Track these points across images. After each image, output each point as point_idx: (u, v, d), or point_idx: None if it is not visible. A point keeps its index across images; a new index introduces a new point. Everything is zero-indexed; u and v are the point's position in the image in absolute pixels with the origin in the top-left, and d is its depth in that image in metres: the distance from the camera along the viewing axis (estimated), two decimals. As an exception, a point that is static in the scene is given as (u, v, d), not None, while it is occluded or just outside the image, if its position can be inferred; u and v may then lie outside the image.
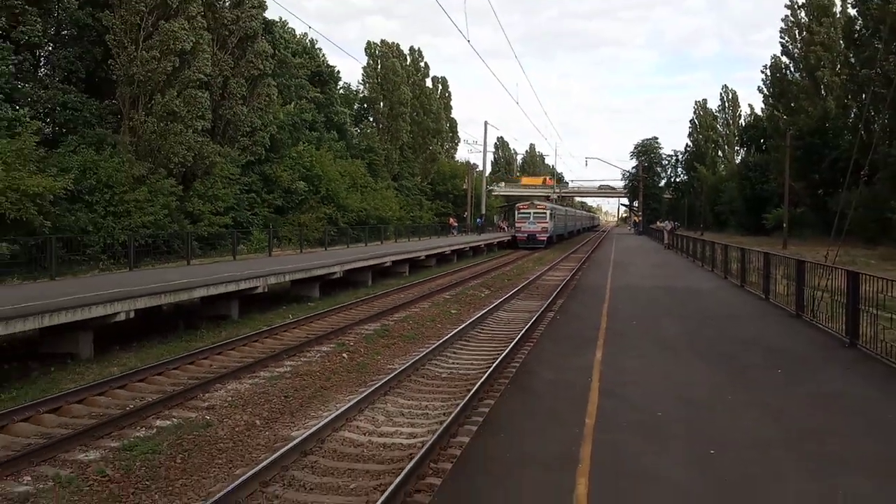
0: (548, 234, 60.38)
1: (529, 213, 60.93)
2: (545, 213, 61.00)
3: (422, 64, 77.02)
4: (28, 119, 25.72)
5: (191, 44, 30.89)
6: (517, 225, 61.77)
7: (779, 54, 68.55)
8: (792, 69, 67.44)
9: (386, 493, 7.06)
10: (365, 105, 71.31)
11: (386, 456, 8.83)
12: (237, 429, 9.59)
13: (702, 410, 7.85)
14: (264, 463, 7.90)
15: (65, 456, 8.27)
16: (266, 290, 19.93)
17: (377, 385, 11.63)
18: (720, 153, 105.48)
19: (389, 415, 10.54)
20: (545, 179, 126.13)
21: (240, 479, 7.39)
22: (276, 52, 44.48)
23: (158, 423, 9.63)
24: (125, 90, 30.30)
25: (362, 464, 8.55)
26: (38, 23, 28.03)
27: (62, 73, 30.19)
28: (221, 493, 7.05)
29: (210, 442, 8.99)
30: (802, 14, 65.70)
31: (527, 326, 16.70)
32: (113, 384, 11.72)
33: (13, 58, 27.05)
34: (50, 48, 30.82)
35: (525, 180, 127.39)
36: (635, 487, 5.67)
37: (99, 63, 31.05)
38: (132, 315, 14.48)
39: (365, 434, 9.62)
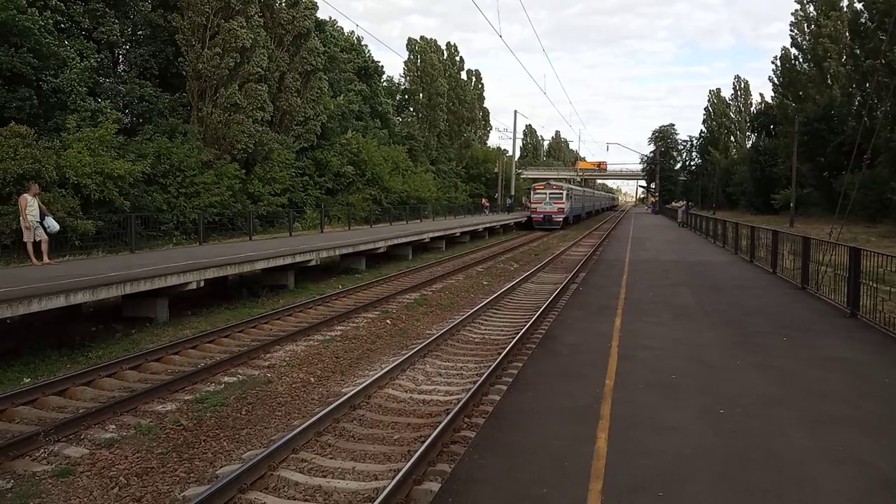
0: (564, 216, 53.08)
1: (545, 193, 53.03)
2: (561, 193, 52.94)
3: (457, 58, 76.30)
4: (109, 110, 26.19)
5: (250, 42, 31.03)
6: (532, 205, 54.05)
7: (788, 46, 66.37)
8: (800, 60, 65.23)
9: (425, 444, 7.14)
10: (406, 96, 71.07)
11: (425, 411, 8.91)
12: (294, 385, 9.75)
13: (712, 372, 7.78)
14: (318, 415, 8.04)
15: (145, 407, 8.51)
16: (318, 262, 20.12)
17: (417, 348, 11.72)
18: (732, 138, 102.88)
19: (428, 374, 10.63)
20: (576, 161, 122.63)
21: (297, 429, 7.54)
22: (327, 48, 44.52)
23: (226, 379, 9.84)
24: (193, 84, 30.65)
25: (404, 417, 8.65)
26: (116, 24, 28.43)
27: (138, 70, 30.61)
28: (282, 440, 7.20)
29: (271, 396, 9.17)
30: (811, 8, 63.48)
31: (552, 296, 16.62)
32: (186, 345, 11.99)
33: (95, 55, 27.48)
34: (127, 47, 31.24)
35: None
36: (651, 441, 5.66)
37: (171, 60, 31.41)
38: (202, 284, 14.74)
39: (406, 391, 9.71)
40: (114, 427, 7.80)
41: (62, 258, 17.51)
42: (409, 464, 6.58)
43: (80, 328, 13.04)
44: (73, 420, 7.80)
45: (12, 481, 6.35)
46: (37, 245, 15.49)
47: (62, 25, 26.91)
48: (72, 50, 25.77)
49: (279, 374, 10.20)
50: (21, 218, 15.35)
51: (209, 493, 5.92)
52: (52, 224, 15.61)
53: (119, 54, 31.46)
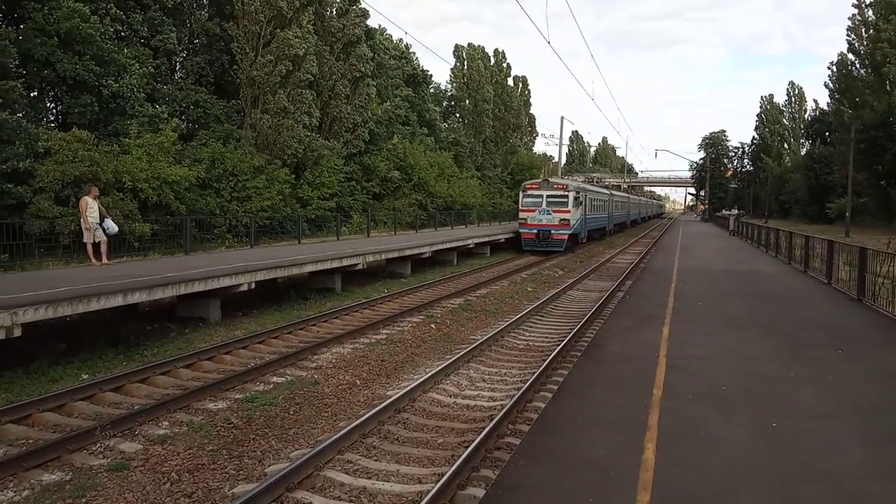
0: (570, 231, 33.88)
1: (540, 196, 33.96)
2: (566, 196, 33.87)
3: (504, 64, 76.17)
4: (166, 116, 26.98)
5: (303, 50, 31.59)
6: (521, 215, 34.71)
7: (845, 51, 64.24)
8: (857, 66, 63.07)
9: (469, 449, 7.12)
10: (452, 102, 71.30)
11: (469, 416, 8.89)
12: (341, 387, 9.85)
13: (764, 384, 7.55)
14: (364, 417, 8.10)
15: (197, 405, 8.70)
16: (365, 266, 20.31)
17: (461, 353, 11.70)
18: (786, 145, 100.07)
19: (472, 380, 10.60)
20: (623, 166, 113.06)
21: (343, 431, 7.61)
22: (375, 55, 44.99)
23: (275, 379, 10.00)
24: (247, 91, 31.35)
25: (448, 422, 8.64)
26: (173, 32, 29.31)
27: (194, 77, 31.47)
28: (328, 441, 7.28)
29: (318, 397, 9.28)
30: (870, 13, 61.27)
31: (597, 304, 16.42)
32: (237, 345, 12.23)
33: (153, 61, 28.37)
34: (184, 55, 32.17)
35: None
36: (700, 453, 5.52)
37: (226, 68, 32.21)
38: (253, 286, 15.02)
39: (450, 396, 9.71)
40: (167, 424, 8.00)
41: (120, 259, 18.09)
42: (454, 468, 6.57)
43: (136, 327, 13.43)
44: (129, 416, 8.03)
45: (70, 474, 6.57)
46: (96, 246, 16.03)
47: (122, 34, 27.86)
48: (130, 57, 26.65)
49: (326, 375, 10.32)
50: (81, 219, 15.91)
51: (258, 490, 6.02)
52: (111, 226, 16.14)
53: (176, 62, 32.43)
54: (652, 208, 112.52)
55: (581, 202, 35.20)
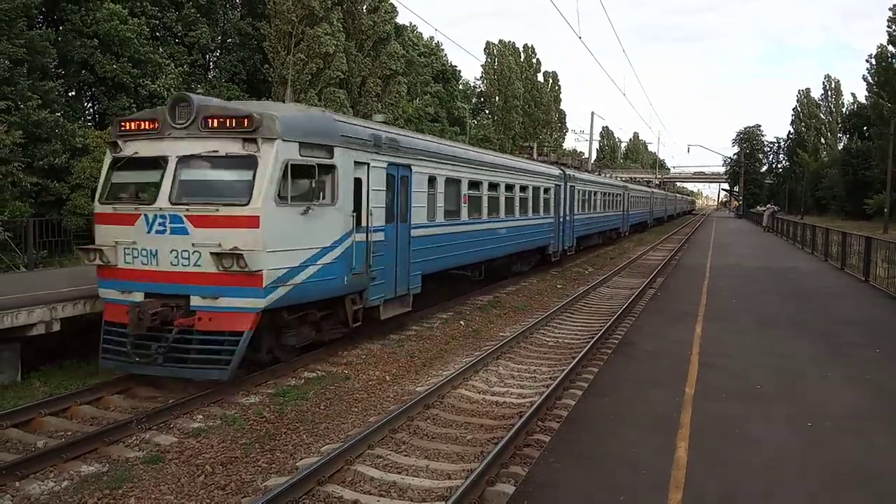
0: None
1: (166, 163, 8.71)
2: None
3: (534, 60, 75.86)
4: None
5: (333, 48, 31.83)
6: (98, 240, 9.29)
7: (885, 44, 62.48)
8: (898, 58, 61.31)
9: (499, 446, 7.10)
10: (482, 99, 71.24)
11: (498, 413, 8.87)
12: (370, 382, 9.91)
13: (800, 383, 7.41)
14: (394, 413, 8.13)
15: (230, 399, 8.82)
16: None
17: (490, 350, 11.67)
18: (822, 140, 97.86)
19: (501, 376, 10.57)
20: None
21: (373, 426, 7.65)
22: (406, 52, 45.11)
23: (306, 374, 10.08)
24: (279, 90, 31.70)
25: (477, 418, 8.63)
26: (206, 28, 29.76)
27: (228, 75, 31.94)
28: (358, 436, 7.32)
29: (348, 393, 9.34)
30: (913, 2, 59.59)
31: (628, 301, 16.24)
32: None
33: (187, 58, 28.84)
34: (218, 54, 32.67)
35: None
36: (733, 453, 5.44)
37: (258, 67, 32.61)
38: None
39: (479, 392, 9.69)
40: (201, 417, 8.13)
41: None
42: (483, 464, 6.56)
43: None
44: (164, 409, 8.17)
45: (107, 465, 6.71)
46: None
47: (157, 33, 28.37)
48: (165, 56, 27.10)
49: (356, 371, 10.38)
50: None
51: (290, 483, 6.08)
52: None
53: (210, 61, 32.96)
54: (682, 204, 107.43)
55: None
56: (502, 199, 18.08)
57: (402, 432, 7.91)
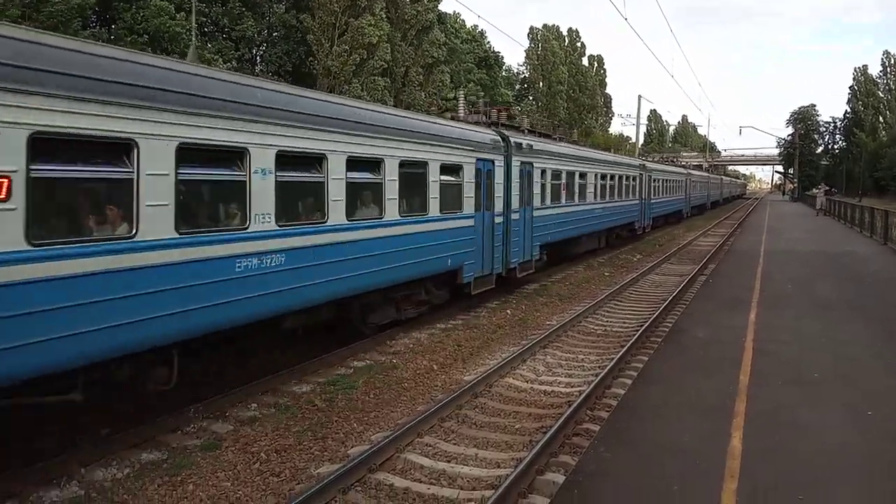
0: None
1: None
2: None
3: (578, 44, 74.85)
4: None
5: (376, 38, 32.01)
6: None
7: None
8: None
9: (548, 434, 7.10)
10: (525, 85, 70.68)
11: (546, 402, 8.86)
12: (418, 371, 10.00)
13: (858, 370, 7.20)
14: (442, 402, 8.20)
15: (283, 388, 9.03)
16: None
17: (537, 339, 11.64)
18: (881, 119, 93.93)
19: (549, 365, 10.54)
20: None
21: (422, 415, 7.74)
22: (448, 40, 45.04)
23: (355, 363, 10.24)
24: (323, 81, 32.07)
25: (525, 407, 8.64)
26: (251, 22, 30.29)
27: (274, 68, 32.46)
28: (408, 424, 7.42)
29: (396, 381, 9.46)
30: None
31: (678, 289, 15.96)
32: (317, 330, 12.35)
33: (234, 53, 29.42)
34: (264, 47, 33.23)
35: None
36: (789, 442, 5.33)
37: (303, 59, 33.05)
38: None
39: (527, 381, 9.69)
40: (255, 405, 8.35)
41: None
42: (532, 453, 6.57)
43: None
44: (221, 398, 8.41)
45: (167, 453, 6.96)
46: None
47: (205, 29, 28.99)
48: (213, 51, 27.68)
49: (404, 360, 10.50)
50: None
51: (341, 471, 6.22)
52: None
53: (256, 55, 33.56)
54: (734, 188, 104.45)
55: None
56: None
57: (450, 421, 7.98)
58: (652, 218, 32.11)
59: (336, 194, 9.17)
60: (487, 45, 60.81)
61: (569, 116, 70.06)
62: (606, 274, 20.53)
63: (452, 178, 12.63)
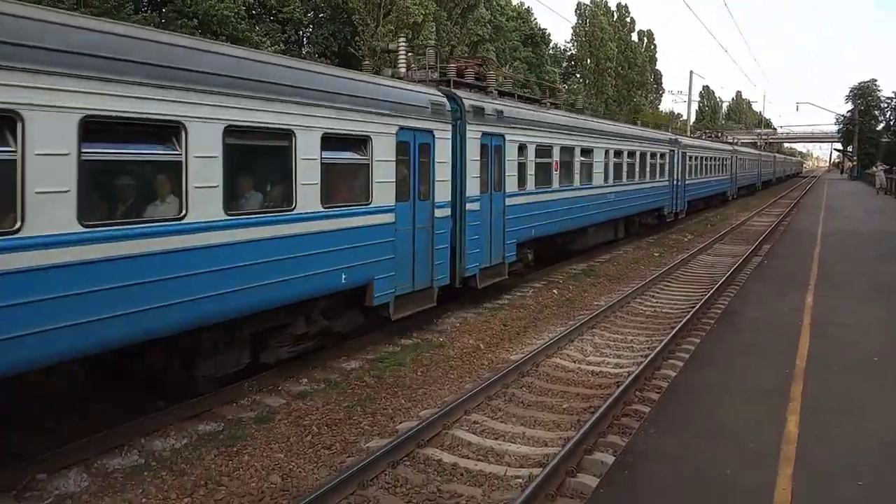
0: None
1: None
2: None
3: (628, 19, 73.13)
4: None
5: (421, 17, 31.85)
6: None
7: None
8: None
9: (596, 414, 7.08)
10: (572, 62, 69.50)
11: (594, 382, 8.82)
12: (465, 350, 10.06)
13: (924, 358, 6.94)
14: (489, 380, 8.24)
15: (333, 364, 9.20)
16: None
17: (584, 319, 11.57)
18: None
19: (596, 346, 10.48)
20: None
21: (469, 393, 7.79)
22: (493, 18, 44.52)
23: (403, 341, 10.35)
24: (369, 63, 32.11)
25: (573, 387, 8.62)
26: (299, 4, 30.47)
27: (320, 49, 32.67)
28: (455, 402, 7.49)
29: (444, 360, 9.53)
30: None
31: (731, 269, 15.62)
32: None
33: (281, 36, 29.70)
34: (310, 29, 33.46)
35: None
36: (849, 426, 5.20)
37: (349, 40, 33.15)
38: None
39: (574, 361, 9.66)
40: (306, 380, 8.53)
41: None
42: (581, 433, 6.57)
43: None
44: (273, 373, 8.60)
45: (223, 424, 7.19)
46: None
47: (253, 11, 29.31)
48: (262, 34, 28.00)
49: (451, 338, 10.57)
50: None
51: (391, 446, 6.33)
52: None
53: (304, 36, 33.83)
54: (789, 166, 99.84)
55: None
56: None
57: (497, 399, 8.02)
58: (687, 202, 27.89)
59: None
60: (534, 23, 59.91)
61: (617, 94, 68.72)
62: (656, 254, 20.21)
63: (349, 156, 8.91)
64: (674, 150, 25.33)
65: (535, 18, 60.31)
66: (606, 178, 18.09)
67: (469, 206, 11.37)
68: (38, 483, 5.75)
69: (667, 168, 24.30)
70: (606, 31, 66.00)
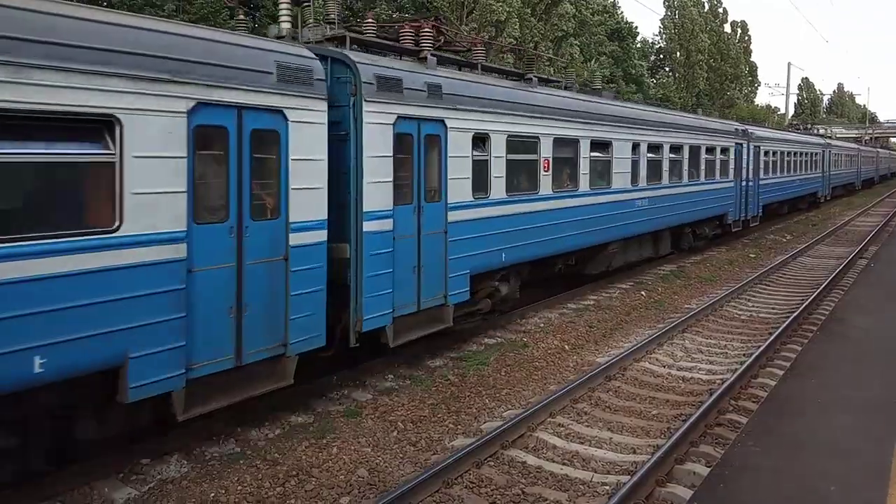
0: None
1: None
2: None
3: (720, 10, 70.21)
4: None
5: (505, 14, 31.74)
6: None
7: None
8: None
9: (688, 423, 6.87)
10: (661, 56, 67.49)
11: (685, 388, 8.56)
12: (549, 351, 9.96)
13: None
14: (575, 383, 8.14)
15: (418, 361, 9.31)
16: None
17: (675, 322, 11.25)
18: None
19: (687, 351, 10.16)
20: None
21: (554, 395, 7.72)
22: (578, 13, 43.84)
23: (486, 340, 10.36)
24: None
25: (662, 393, 8.40)
26: (385, 6, 30.95)
27: (405, 49, 33.16)
28: (539, 404, 7.44)
29: (527, 360, 9.48)
30: None
31: (835, 273, 14.78)
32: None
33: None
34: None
35: None
36: (973, 449, 4.81)
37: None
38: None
39: (664, 367, 9.40)
40: (392, 377, 8.67)
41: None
42: (671, 441, 6.39)
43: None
44: (361, 369, 8.80)
45: (313, 416, 7.42)
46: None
47: (344, 13, 30.06)
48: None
49: (534, 339, 10.49)
50: None
51: (475, 445, 6.35)
52: None
53: (389, 37, 34.37)
54: (894, 163, 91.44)
55: None
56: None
57: (583, 402, 7.91)
58: (763, 206, 23.16)
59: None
60: (620, 16, 58.60)
61: (709, 87, 66.22)
62: (752, 255, 19.38)
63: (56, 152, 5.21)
64: (742, 144, 21.06)
65: (621, 12, 59.00)
66: (635, 180, 14.39)
67: (371, 227, 7.79)
68: (142, 467, 6.11)
69: (732, 165, 20.16)
70: (697, 22, 63.63)
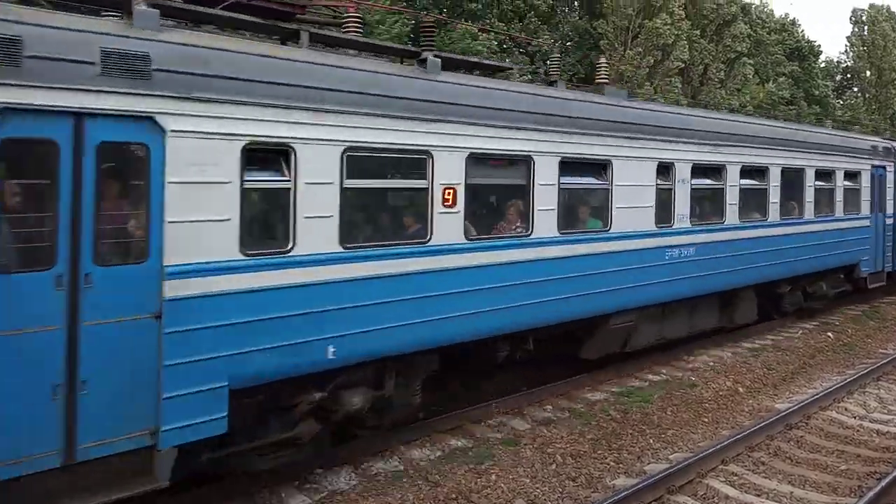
0: None
1: None
2: None
3: (919, 23, 63.34)
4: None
5: (672, 38, 30.86)
6: None
7: None
8: None
9: (883, 483, 6.19)
10: (848, 75, 61.97)
11: (880, 443, 7.72)
12: (720, 392, 9.38)
13: None
14: (750, 429, 7.60)
15: (576, 393, 9.14)
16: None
17: (868, 369, 10.22)
18: None
19: (883, 401, 9.16)
20: None
21: (727, 441, 7.26)
22: (753, 32, 41.52)
23: (650, 377, 9.96)
24: (616, 86, 31.87)
25: (853, 447, 7.63)
26: (547, 37, 31.28)
27: (567, 75, 33.17)
28: (710, 449, 7.02)
29: (696, 401, 8.99)
30: None
31: None
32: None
33: (530, 67, 30.68)
34: (558, 57, 34.21)
35: None
36: None
37: (594, 67, 33.26)
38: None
39: (855, 417, 8.54)
40: (550, 408, 8.59)
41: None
42: (864, 501, 5.77)
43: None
44: (517, 396, 8.80)
45: (472, 441, 7.53)
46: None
47: (504, 45, 30.71)
48: (510, 65, 29.24)
49: (704, 378, 9.93)
50: None
51: (640, 486, 6.12)
52: None
53: (551, 66, 34.70)
54: None
55: None
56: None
57: (760, 451, 7.37)
58: None
59: None
60: (801, 34, 54.65)
61: (906, 108, 59.71)
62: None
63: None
64: (886, 167, 15.50)
65: (801, 30, 55.02)
66: (668, 218, 9.63)
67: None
68: (315, 476, 6.51)
69: (864, 196, 14.59)
70: (889, 37, 57.84)
